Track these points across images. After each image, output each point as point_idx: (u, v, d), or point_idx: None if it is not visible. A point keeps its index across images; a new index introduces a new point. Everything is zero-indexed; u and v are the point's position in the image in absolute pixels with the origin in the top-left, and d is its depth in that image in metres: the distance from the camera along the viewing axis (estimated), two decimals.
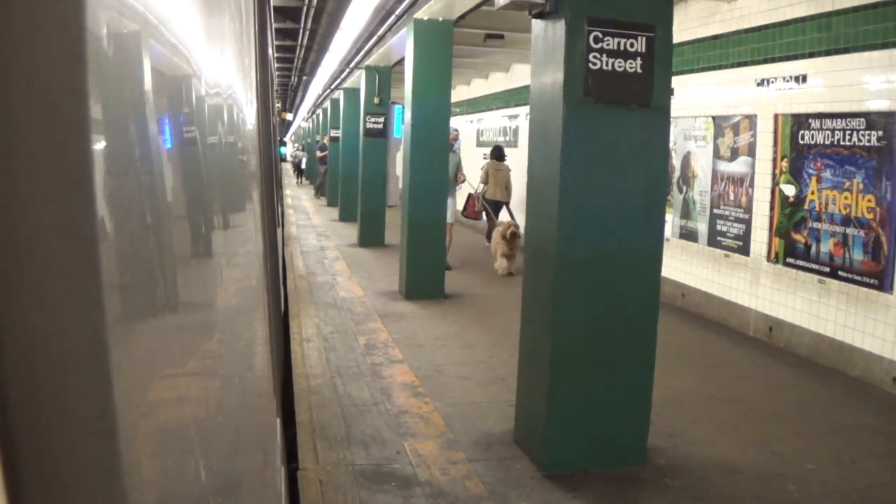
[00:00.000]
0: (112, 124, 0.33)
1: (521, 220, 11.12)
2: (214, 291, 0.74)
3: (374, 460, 3.42)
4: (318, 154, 19.75)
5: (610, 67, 3.24)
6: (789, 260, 5.95)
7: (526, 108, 11.66)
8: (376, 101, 10.89)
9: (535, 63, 3.50)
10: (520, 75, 11.87)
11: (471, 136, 14.61)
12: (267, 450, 1.39)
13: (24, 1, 0.25)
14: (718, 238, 6.77)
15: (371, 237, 10.83)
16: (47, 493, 0.26)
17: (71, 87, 0.27)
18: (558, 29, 3.25)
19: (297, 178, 27.53)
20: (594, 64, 3.22)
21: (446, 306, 6.85)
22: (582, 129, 3.21)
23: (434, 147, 7.10)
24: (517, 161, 11.94)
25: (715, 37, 6.73)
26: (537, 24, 3.44)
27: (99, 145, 0.29)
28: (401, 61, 10.65)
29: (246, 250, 1.17)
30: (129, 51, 0.37)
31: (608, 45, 3.23)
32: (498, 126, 13.09)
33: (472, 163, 14.37)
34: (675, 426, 4.10)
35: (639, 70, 3.27)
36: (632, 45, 3.26)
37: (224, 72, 0.93)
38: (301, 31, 8.95)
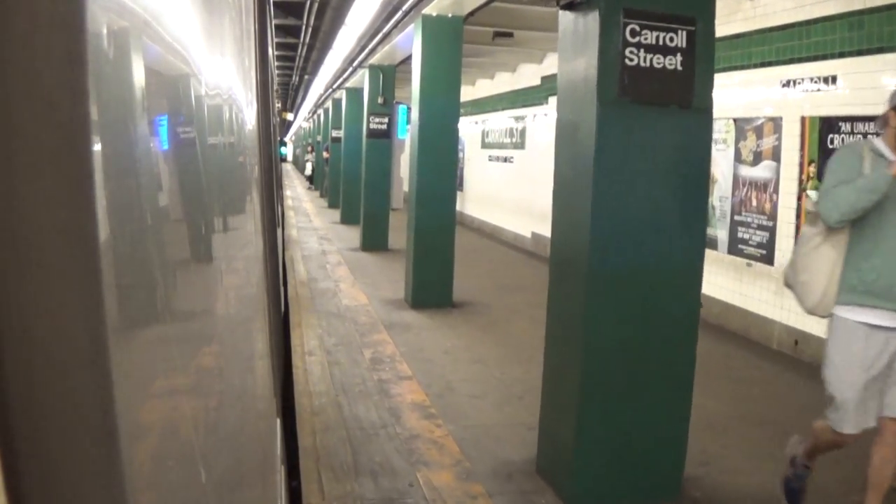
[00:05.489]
0: (112, 125, 0.32)
1: (530, 226, 10.86)
2: (215, 291, 0.73)
3: (385, 493, 3.11)
4: (325, 155, 19.45)
5: (648, 64, 2.94)
6: None
7: (533, 110, 11.38)
8: (380, 101, 10.60)
9: (563, 59, 3.20)
10: (526, 75, 11.57)
11: (475, 137, 14.31)
12: (267, 450, 1.38)
13: (24, 1, 0.25)
14: (740, 246, 6.47)
15: (374, 241, 10.53)
16: (47, 494, 0.26)
17: (71, 87, 0.26)
18: (590, 21, 2.95)
19: (310, 184, 25.86)
20: (631, 60, 2.92)
21: (454, 316, 6.55)
22: (617, 132, 2.91)
23: (442, 148, 6.80)
24: (524, 164, 11.66)
25: (737, 35, 6.43)
26: (566, 17, 3.14)
27: (99, 146, 0.28)
28: (405, 60, 10.36)
29: (246, 250, 1.17)
30: (129, 51, 0.37)
31: (646, 39, 2.93)
32: (504, 127, 12.78)
33: (475, 163, 14.09)
34: (707, 452, 3.80)
35: (679, 67, 2.98)
36: (671, 40, 2.97)
37: (224, 72, 0.93)
38: (303, 27, 8.63)
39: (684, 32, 2.98)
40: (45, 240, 0.26)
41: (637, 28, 2.91)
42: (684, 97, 2.99)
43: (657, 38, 2.95)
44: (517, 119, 12.12)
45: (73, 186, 0.27)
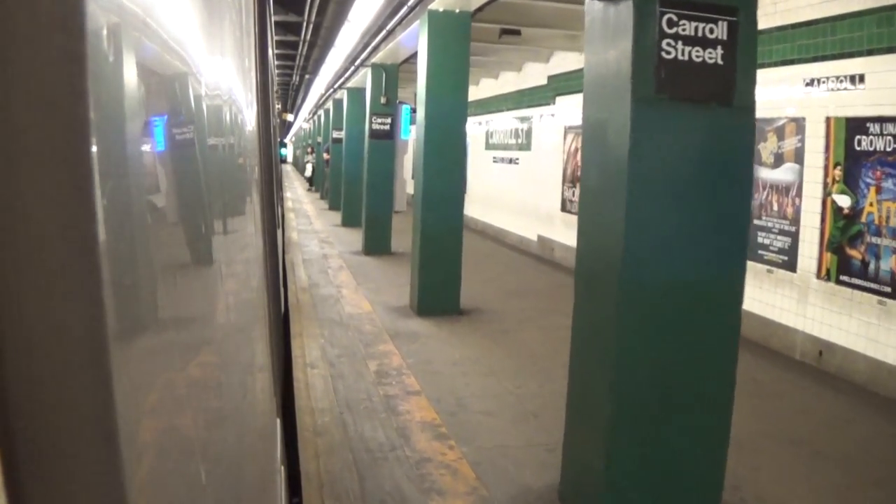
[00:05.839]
0: (112, 125, 0.32)
1: (536, 229, 10.58)
2: (215, 290, 0.73)
3: None
4: (326, 156, 19.17)
5: (686, 57, 2.68)
6: (843, 278, 5.40)
7: (539, 110, 11.11)
8: (383, 100, 10.35)
9: (590, 52, 2.93)
10: (533, 75, 11.31)
11: (479, 138, 14.04)
12: (267, 451, 1.37)
13: (25, 1, 0.25)
14: (760, 251, 6.20)
15: (377, 245, 10.26)
16: (47, 494, 0.26)
17: (71, 87, 0.26)
18: (623, 10, 2.69)
19: (310, 185, 25.43)
20: (668, 53, 2.66)
21: (462, 324, 6.28)
22: (652, 132, 2.65)
23: (449, 149, 6.54)
24: (530, 165, 11.39)
25: (757, 32, 6.17)
26: (594, 6, 2.88)
27: (99, 146, 0.28)
28: (408, 59, 10.11)
29: (246, 250, 1.17)
30: (129, 51, 0.37)
31: (684, 30, 2.67)
32: (509, 128, 12.51)
33: (479, 164, 13.82)
34: (737, 475, 3.54)
35: (719, 61, 2.72)
36: (711, 32, 2.71)
37: (225, 73, 0.93)
38: (304, 24, 8.36)
39: (725, 23, 2.72)
40: (45, 240, 0.26)
41: (674, 18, 2.65)
42: (725, 94, 2.73)
43: (696, 28, 2.69)
44: (523, 119, 11.85)
45: (73, 186, 0.26)
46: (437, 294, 6.52)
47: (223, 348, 0.75)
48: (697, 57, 2.70)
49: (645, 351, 2.73)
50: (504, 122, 12.72)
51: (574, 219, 9.91)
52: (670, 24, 2.65)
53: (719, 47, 2.71)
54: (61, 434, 0.26)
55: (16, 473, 0.25)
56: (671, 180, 2.67)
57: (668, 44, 2.67)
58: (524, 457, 3.56)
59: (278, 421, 1.99)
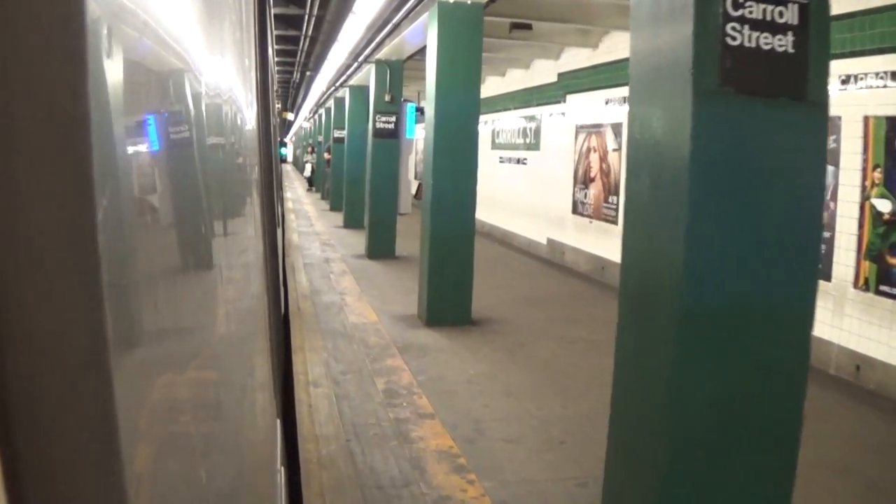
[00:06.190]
0: (112, 125, 0.32)
1: (546, 232, 10.19)
2: (216, 291, 0.72)
3: None
4: (326, 156, 18.78)
5: (753, 44, 2.31)
6: (883, 288, 5.03)
7: (549, 109, 10.73)
8: (387, 98, 9.98)
9: (638, 38, 2.56)
10: (542, 72, 10.93)
11: (485, 137, 13.65)
12: (267, 451, 1.36)
13: (25, 1, 0.25)
14: None
15: (380, 248, 9.89)
16: (47, 494, 0.26)
17: (71, 87, 0.26)
18: None
19: (309, 186, 24.87)
20: (733, 38, 2.29)
21: (474, 336, 5.90)
22: (718, 131, 2.28)
23: (460, 149, 6.17)
24: (539, 165, 11.00)
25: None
26: None
27: (99, 146, 0.28)
28: (413, 55, 9.74)
29: (246, 250, 1.16)
30: (129, 51, 0.36)
31: (751, 12, 2.30)
32: (516, 127, 12.13)
33: (484, 164, 13.44)
34: None
35: (790, 49, 2.34)
36: (780, 15, 2.33)
37: (225, 73, 0.92)
38: (306, 17, 7.97)
39: (796, 6, 2.35)
40: (45, 240, 0.26)
41: None
42: (797, 87, 2.35)
43: (764, 11, 2.31)
44: (532, 118, 11.47)
45: (73, 186, 0.26)
46: (447, 303, 6.15)
47: (224, 348, 0.74)
48: (766, 44, 2.33)
49: (704, 382, 2.37)
50: (511, 121, 12.33)
51: (585, 221, 9.57)
52: (736, 5, 2.28)
53: (790, 33, 2.34)
54: (61, 434, 0.26)
55: (16, 473, 0.25)
56: (737, 188, 2.30)
57: (734, 28, 2.29)
58: (553, 493, 3.19)
59: (278, 422, 1.98)
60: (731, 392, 2.38)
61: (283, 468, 1.89)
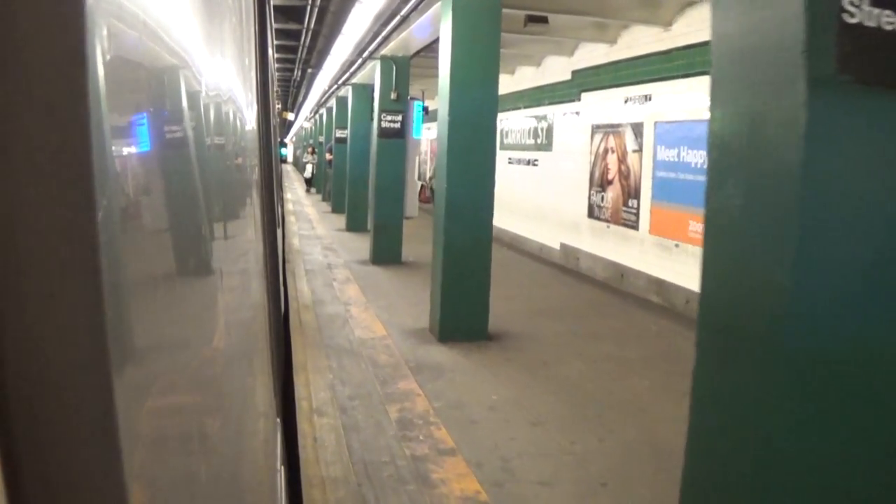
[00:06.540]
0: (112, 125, 0.32)
1: (559, 236, 9.67)
2: (216, 291, 0.71)
3: None
4: (328, 156, 18.30)
5: (874, 23, 1.84)
6: None
7: (562, 108, 10.25)
8: (393, 96, 9.53)
9: (722, 18, 2.09)
10: (554, 70, 10.46)
11: None
12: (267, 451, 1.33)
13: (25, 1, 0.25)
14: None
15: (386, 253, 9.42)
16: (47, 494, 0.26)
17: (71, 87, 0.26)
18: None
19: (308, 187, 24.27)
20: (851, 16, 1.82)
21: (492, 353, 5.43)
22: (836, 130, 1.82)
23: (477, 150, 5.70)
24: (551, 167, 10.52)
25: None
26: None
27: (99, 146, 0.28)
28: (419, 52, 9.28)
29: (246, 251, 1.15)
30: (129, 51, 0.36)
31: None
32: (526, 127, 11.66)
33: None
34: None
35: None
36: None
37: (225, 73, 0.91)
38: (308, 7, 7.49)
39: None
40: (45, 240, 0.26)
41: None
42: None
43: None
44: (543, 118, 11.00)
45: (73, 186, 0.27)
46: (462, 316, 5.69)
47: (224, 348, 0.73)
48: (888, 24, 1.87)
49: (814, 440, 1.90)
50: (521, 121, 11.86)
51: (602, 226, 9.06)
52: None
53: None
54: (61, 434, 0.26)
55: (16, 473, 0.25)
56: (860, 202, 1.83)
57: (851, 3, 1.83)
58: None
59: (278, 422, 1.96)
60: (849, 465, 1.91)
61: (283, 468, 1.87)
